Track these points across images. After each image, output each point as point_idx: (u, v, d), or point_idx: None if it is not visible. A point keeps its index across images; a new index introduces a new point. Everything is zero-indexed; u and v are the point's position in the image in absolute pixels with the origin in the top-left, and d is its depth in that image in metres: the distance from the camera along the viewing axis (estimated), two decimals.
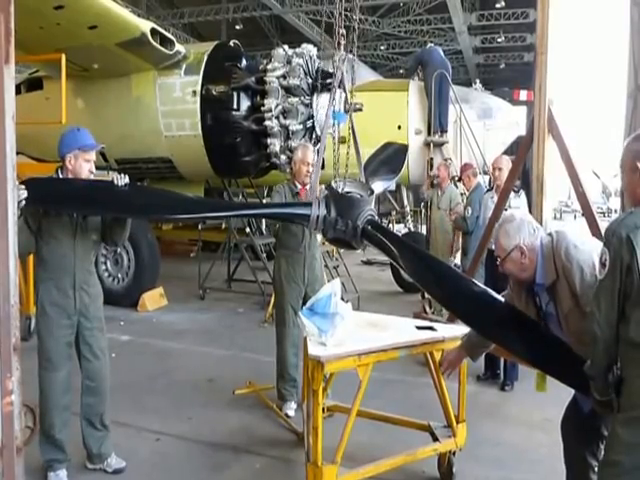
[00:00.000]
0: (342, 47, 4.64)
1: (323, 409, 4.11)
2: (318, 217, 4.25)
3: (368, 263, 15.04)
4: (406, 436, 4.70)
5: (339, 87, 4.72)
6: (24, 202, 3.68)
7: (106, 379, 4.41)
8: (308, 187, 5.53)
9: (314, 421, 3.80)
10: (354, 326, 4.15)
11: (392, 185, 10.93)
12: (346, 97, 4.78)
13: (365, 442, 4.39)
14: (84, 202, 4.20)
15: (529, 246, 3.21)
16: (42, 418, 4.25)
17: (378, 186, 5.11)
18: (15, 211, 2.35)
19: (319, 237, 5.76)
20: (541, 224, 5.64)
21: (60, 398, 4.21)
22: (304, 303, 5.47)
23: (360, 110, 4.78)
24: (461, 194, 9.03)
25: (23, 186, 3.73)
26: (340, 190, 4.38)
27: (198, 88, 8.97)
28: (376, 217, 4.41)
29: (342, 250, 10.15)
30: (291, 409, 5.47)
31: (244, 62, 9.16)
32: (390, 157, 5.88)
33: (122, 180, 4.18)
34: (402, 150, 6.57)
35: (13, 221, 2.31)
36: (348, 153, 4.70)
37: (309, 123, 8.87)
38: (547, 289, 3.22)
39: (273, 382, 5.78)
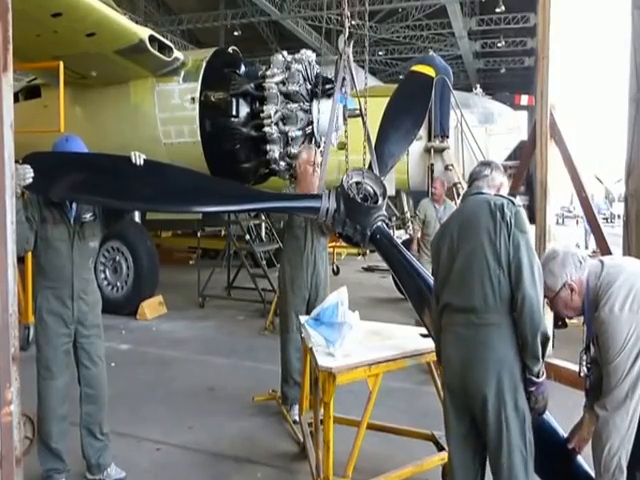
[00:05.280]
0: (347, 31, 4.55)
1: (321, 421, 4.07)
2: (328, 210, 4.23)
3: (369, 270, 15.00)
4: (409, 445, 4.69)
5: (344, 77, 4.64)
6: (30, 179, 3.63)
7: (105, 386, 4.38)
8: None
9: (325, 435, 3.75)
10: (359, 335, 4.11)
11: (392, 190, 10.94)
12: (353, 79, 4.68)
13: (369, 452, 4.33)
14: (97, 183, 4.02)
15: (577, 281, 3.08)
16: (40, 427, 4.22)
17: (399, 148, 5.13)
18: (13, 220, 2.30)
19: (322, 241, 5.73)
20: (545, 229, 5.62)
21: (58, 407, 4.18)
22: (308, 308, 5.49)
23: (359, 116, 4.70)
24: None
25: (28, 165, 3.67)
26: (353, 180, 4.34)
27: (197, 95, 8.94)
28: (387, 221, 4.36)
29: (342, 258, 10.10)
30: (297, 415, 5.43)
31: (243, 68, 9.13)
32: (411, 105, 5.63)
33: (139, 159, 4.09)
34: (426, 88, 6.04)
35: (12, 230, 2.26)
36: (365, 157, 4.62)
37: (308, 129, 8.83)
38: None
39: (273, 389, 5.81)
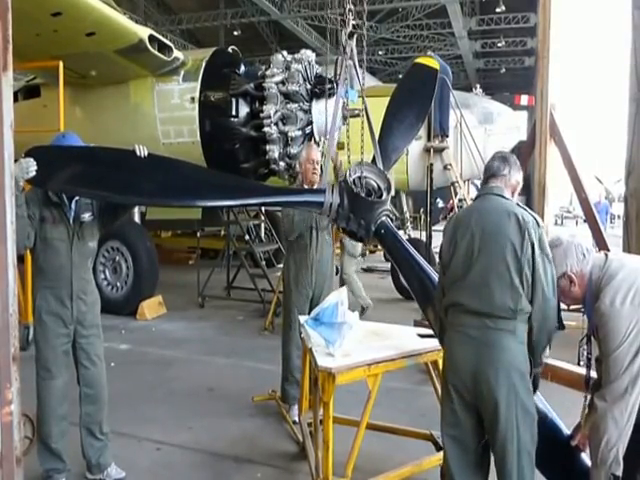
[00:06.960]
0: (350, 24, 4.51)
1: (321, 421, 4.06)
2: (332, 204, 4.21)
3: (369, 270, 14.98)
4: (408, 444, 4.69)
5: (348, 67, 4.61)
6: (34, 172, 3.65)
7: (104, 386, 4.38)
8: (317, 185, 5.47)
9: (325, 435, 3.75)
10: (358, 335, 4.11)
11: (392, 191, 10.93)
12: (357, 73, 4.64)
13: (368, 452, 4.33)
14: (103, 174, 4.01)
15: (578, 273, 3.07)
16: (39, 427, 4.22)
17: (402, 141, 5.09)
18: (13, 219, 2.30)
19: (328, 240, 5.72)
20: None
21: (57, 407, 4.18)
22: (312, 306, 5.46)
23: (357, 116, 4.66)
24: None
25: (31, 159, 3.67)
26: (357, 174, 4.31)
27: (196, 94, 8.94)
28: (391, 216, 4.34)
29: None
30: (297, 415, 5.43)
31: (243, 68, 9.14)
32: (414, 97, 5.56)
33: (143, 151, 4.08)
34: (430, 81, 5.89)
35: (12, 229, 2.27)
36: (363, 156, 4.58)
37: (308, 129, 8.83)
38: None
39: (273, 389, 5.81)
